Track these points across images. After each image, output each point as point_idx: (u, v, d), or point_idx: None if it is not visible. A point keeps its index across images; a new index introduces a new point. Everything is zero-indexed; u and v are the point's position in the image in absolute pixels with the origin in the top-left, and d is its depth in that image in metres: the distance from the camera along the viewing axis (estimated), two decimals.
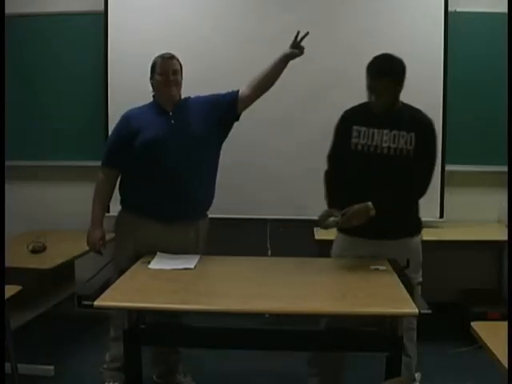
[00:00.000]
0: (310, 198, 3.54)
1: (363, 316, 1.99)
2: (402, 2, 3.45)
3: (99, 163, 3.56)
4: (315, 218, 3.53)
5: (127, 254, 2.43)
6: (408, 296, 1.91)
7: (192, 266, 2.28)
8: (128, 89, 3.47)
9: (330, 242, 3.21)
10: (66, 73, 3.68)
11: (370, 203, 2.21)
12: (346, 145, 2.38)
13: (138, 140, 2.42)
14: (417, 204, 2.39)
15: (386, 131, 2.28)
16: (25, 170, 3.78)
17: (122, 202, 2.59)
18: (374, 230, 2.25)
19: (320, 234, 3.31)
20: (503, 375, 1.49)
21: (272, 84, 2.59)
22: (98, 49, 3.56)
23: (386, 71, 2.21)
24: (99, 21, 3.53)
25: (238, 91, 2.56)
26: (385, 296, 1.95)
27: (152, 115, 2.49)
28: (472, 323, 1.91)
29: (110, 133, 3.50)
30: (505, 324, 1.74)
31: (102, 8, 3.52)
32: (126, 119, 2.51)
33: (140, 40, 3.49)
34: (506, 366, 1.47)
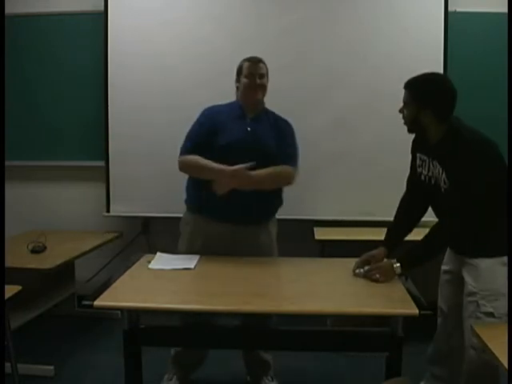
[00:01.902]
0: (310, 198, 3.56)
1: (363, 316, 2.00)
2: (402, 2, 3.45)
3: (100, 163, 3.63)
4: (315, 218, 3.56)
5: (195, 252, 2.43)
6: (408, 296, 1.91)
7: (192, 266, 2.28)
8: (128, 89, 3.47)
9: (330, 242, 3.23)
10: (66, 73, 3.67)
11: (395, 260, 2.11)
12: (415, 171, 2.28)
13: (215, 141, 2.40)
14: (498, 224, 2.07)
15: (434, 162, 2.13)
16: (25, 170, 3.78)
17: (190, 203, 2.55)
18: (456, 246, 2.19)
19: (320, 234, 3.32)
20: (503, 375, 1.49)
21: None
22: (98, 49, 3.56)
23: (406, 82, 2.11)
24: (99, 21, 3.52)
25: (293, 167, 2.49)
26: (385, 296, 1.95)
27: (231, 117, 2.47)
28: (472, 323, 1.92)
29: (111, 130, 3.56)
30: (505, 324, 1.74)
31: (101, 8, 3.51)
32: (210, 113, 2.49)
33: (140, 40, 3.49)
34: (506, 365, 1.47)
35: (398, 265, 2.10)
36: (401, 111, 2.15)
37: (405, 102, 2.12)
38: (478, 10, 3.44)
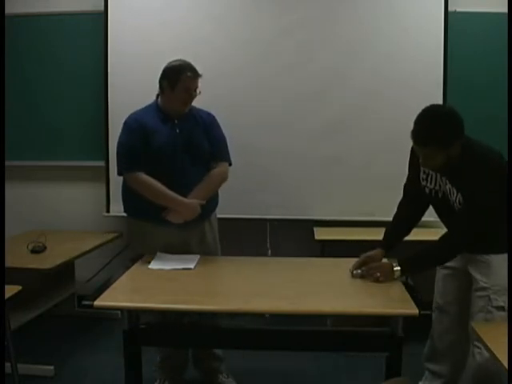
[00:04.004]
0: (309, 199, 3.56)
1: (363, 316, 2.00)
2: (402, 2, 3.45)
3: (99, 163, 3.63)
4: (315, 218, 3.56)
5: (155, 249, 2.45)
6: (408, 296, 1.91)
7: (192, 266, 2.28)
8: (128, 89, 3.47)
9: (330, 242, 3.23)
10: (66, 73, 3.67)
11: (396, 264, 2.10)
12: (416, 181, 2.25)
13: (147, 145, 2.42)
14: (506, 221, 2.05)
15: (443, 178, 2.11)
16: (25, 170, 3.78)
17: (128, 210, 2.59)
18: None
19: (320, 234, 3.32)
20: (504, 375, 1.49)
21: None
22: (98, 49, 3.55)
23: (419, 141, 1.99)
24: (99, 21, 3.52)
25: (226, 164, 2.59)
26: (385, 296, 1.95)
27: (158, 122, 2.47)
28: (472, 323, 1.92)
29: (111, 130, 3.54)
30: (505, 324, 1.74)
31: (101, 8, 3.51)
32: (135, 118, 2.49)
33: (140, 40, 3.49)
34: (506, 365, 1.47)
35: (398, 269, 2.09)
36: (424, 165, 2.10)
37: (426, 156, 2.02)
38: (478, 10, 3.44)
